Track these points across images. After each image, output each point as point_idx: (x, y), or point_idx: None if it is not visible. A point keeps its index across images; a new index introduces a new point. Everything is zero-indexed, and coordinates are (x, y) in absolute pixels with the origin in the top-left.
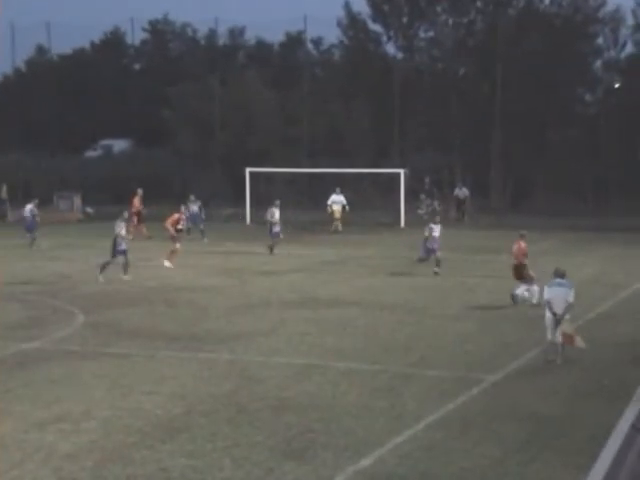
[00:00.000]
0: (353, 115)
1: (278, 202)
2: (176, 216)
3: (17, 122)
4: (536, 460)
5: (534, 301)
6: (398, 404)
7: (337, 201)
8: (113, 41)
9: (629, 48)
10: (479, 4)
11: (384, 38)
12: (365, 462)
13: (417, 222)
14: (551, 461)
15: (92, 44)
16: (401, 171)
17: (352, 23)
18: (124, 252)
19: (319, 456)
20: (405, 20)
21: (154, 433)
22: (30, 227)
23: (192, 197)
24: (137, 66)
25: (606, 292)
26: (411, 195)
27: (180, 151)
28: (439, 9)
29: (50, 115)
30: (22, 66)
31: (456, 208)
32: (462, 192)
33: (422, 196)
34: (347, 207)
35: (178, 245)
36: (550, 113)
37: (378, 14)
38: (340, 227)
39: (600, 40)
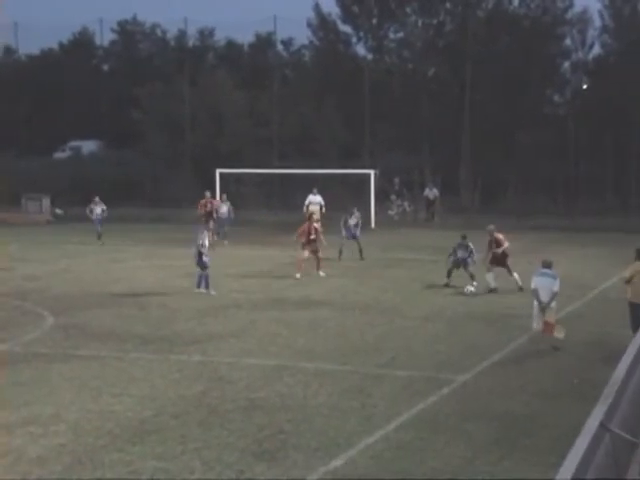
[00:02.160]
0: (323, 116)
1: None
2: (305, 228)
3: None
4: (506, 459)
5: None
6: (369, 404)
7: (314, 202)
8: (82, 42)
9: (596, 49)
10: (448, 5)
11: (354, 39)
12: (336, 463)
13: (387, 223)
14: (521, 460)
15: (60, 45)
16: (371, 172)
17: (322, 24)
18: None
19: (290, 457)
20: (375, 21)
21: (124, 435)
22: None
23: (224, 197)
24: (106, 67)
25: (575, 292)
26: (381, 196)
27: (150, 152)
28: (409, 10)
29: (18, 116)
30: None
31: (426, 209)
32: (432, 193)
33: (392, 197)
34: (324, 208)
35: (306, 254)
36: (519, 114)
37: (348, 15)
38: (319, 227)
39: (568, 41)
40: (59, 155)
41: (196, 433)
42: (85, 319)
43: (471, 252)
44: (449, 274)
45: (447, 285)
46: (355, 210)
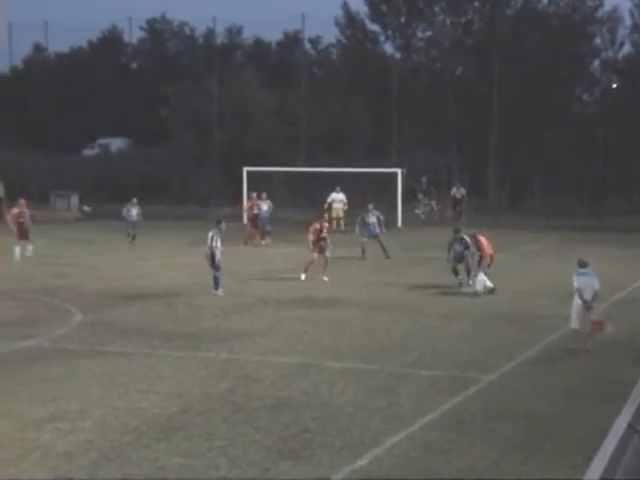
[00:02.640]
0: (351, 114)
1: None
2: (318, 226)
3: (14, 121)
4: (532, 460)
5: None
6: (394, 404)
7: (337, 199)
8: (111, 40)
9: (627, 48)
10: (477, 4)
11: (382, 37)
12: (362, 462)
13: (414, 222)
14: (547, 461)
15: (90, 43)
16: (398, 170)
17: (350, 22)
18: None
19: (316, 456)
20: (403, 20)
21: (150, 432)
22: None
23: (264, 195)
24: (135, 65)
25: (603, 292)
26: (408, 195)
27: (178, 150)
28: (437, 9)
29: (47, 114)
30: (20, 65)
31: (453, 208)
32: (459, 192)
33: (419, 196)
34: (346, 205)
35: (316, 255)
36: (548, 113)
37: (376, 13)
38: (343, 226)
39: (598, 40)
40: (87, 152)
41: (222, 430)
42: (112, 316)
43: (466, 245)
44: (455, 272)
45: (460, 284)
46: (371, 207)
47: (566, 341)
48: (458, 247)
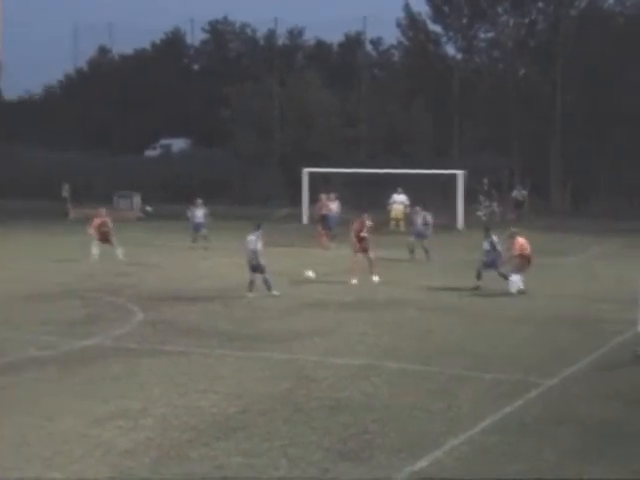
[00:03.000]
0: (412, 116)
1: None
2: (358, 226)
3: (79, 121)
4: (592, 465)
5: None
6: (454, 406)
7: (398, 201)
8: (173, 42)
9: None
10: (540, 4)
11: (444, 39)
12: (421, 464)
13: (475, 224)
14: (607, 467)
15: (153, 44)
16: (459, 172)
17: (412, 24)
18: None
19: (375, 457)
20: (465, 21)
21: (210, 431)
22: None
23: (332, 196)
24: (197, 66)
25: None
26: (469, 197)
27: (238, 151)
28: (500, 9)
29: (111, 115)
30: (84, 66)
31: (514, 210)
32: (521, 194)
33: (481, 198)
34: (408, 208)
35: (360, 256)
36: (612, 114)
37: (438, 15)
38: (403, 227)
39: None
40: (150, 153)
41: (282, 430)
42: (173, 315)
43: (493, 245)
44: (478, 276)
45: (477, 288)
46: (419, 209)
47: (631, 345)
48: (486, 246)
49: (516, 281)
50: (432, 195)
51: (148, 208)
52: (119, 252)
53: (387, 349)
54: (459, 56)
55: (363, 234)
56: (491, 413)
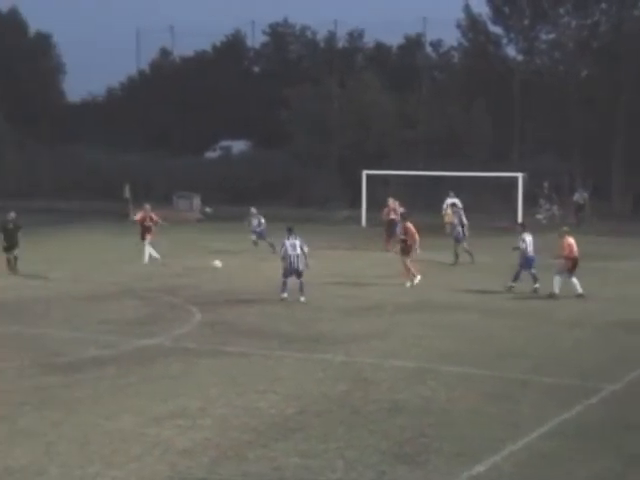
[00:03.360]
0: (471, 118)
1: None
2: (400, 227)
3: (140, 123)
4: None
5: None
6: (513, 411)
7: (451, 204)
8: (234, 44)
9: None
10: (603, 5)
11: (504, 40)
12: (479, 468)
13: (535, 227)
14: None
15: (213, 46)
16: (519, 175)
17: (472, 25)
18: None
19: (432, 461)
20: (527, 22)
21: (268, 432)
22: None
23: (391, 200)
24: (257, 68)
25: None
26: (529, 200)
27: (297, 153)
28: (562, 10)
29: (171, 116)
30: (146, 68)
31: (575, 214)
32: (582, 197)
33: (541, 201)
34: (461, 210)
35: (408, 260)
36: None
37: (499, 16)
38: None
39: None
40: (210, 155)
41: (339, 432)
42: (232, 316)
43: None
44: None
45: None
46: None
47: None
48: (521, 244)
49: (558, 281)
50: (491, 198)
51: (207, 209)
52: (147, 253)
53: (445, 352)
54: (520, 58)
55: (403, 236)
56: (551, 418)
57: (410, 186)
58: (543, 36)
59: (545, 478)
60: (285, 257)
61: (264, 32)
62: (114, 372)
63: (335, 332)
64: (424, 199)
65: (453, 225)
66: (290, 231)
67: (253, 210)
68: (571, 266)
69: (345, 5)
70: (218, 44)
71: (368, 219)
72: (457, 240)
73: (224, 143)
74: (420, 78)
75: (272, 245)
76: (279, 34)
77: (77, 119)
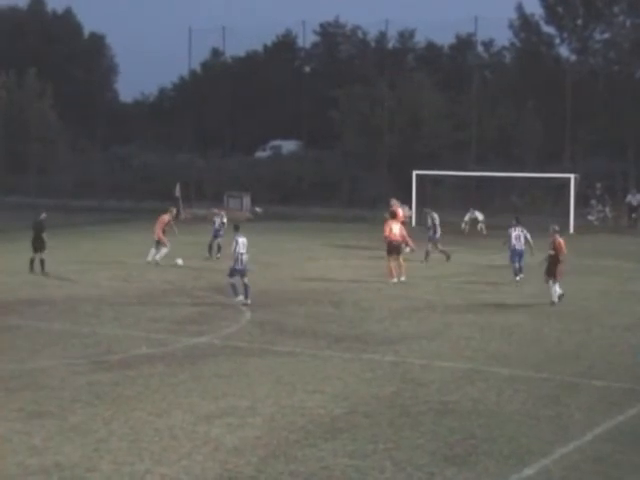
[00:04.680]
0: (523, 118)
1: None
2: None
3: (192, 122)
4: None
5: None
6: (564, 414)
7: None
8: (285, 43)
9: None
10: None
11: (557, 40)
12: (529, 471)
13: (587, 229)
14: None
15: (265, 47)
16: (572, 176)
17: (524, 25)
18: None
19: (481, 463)
20: (580, 22)
21: (317, 431)
22: None
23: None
24: (307, 68)
25: None
26: (581, 201)
27: (348, 153)
28: (616, 10)
29: (222, 116)
30: (198, 68)
31: (628, 215)
32: (635, 198)
33: (593, 202)
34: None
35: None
36: None
37: (552, 15)
38: (484, 230)
39: None
40: (260, 154)
41: (387, 433)
42: (281, 315)
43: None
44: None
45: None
46: (429, 209)
47: None
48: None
49: (555, 291)
50: (542, 199)
51: (257, 209)
52: (155, 253)
53: (494, 354)
54: (573, 58)
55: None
56: (603, 422)
57: (461, 187)
58: (597, 36)
59: None
60: (235, 255)
61: (315, 32)
62: (164, 370)
63: (384, 332)
64: (476, 200)
65: (428, 227)
66: (237, 228)
67: (215, 210)
68: (554, 268)
69: (396, 5)
70: (269, 44)
71: (418, 220)
72: (431, 240)
73: (274, 143)
74: (471, 78)
75: (219, 248)
76: (330, 34)
77: (130, 119)
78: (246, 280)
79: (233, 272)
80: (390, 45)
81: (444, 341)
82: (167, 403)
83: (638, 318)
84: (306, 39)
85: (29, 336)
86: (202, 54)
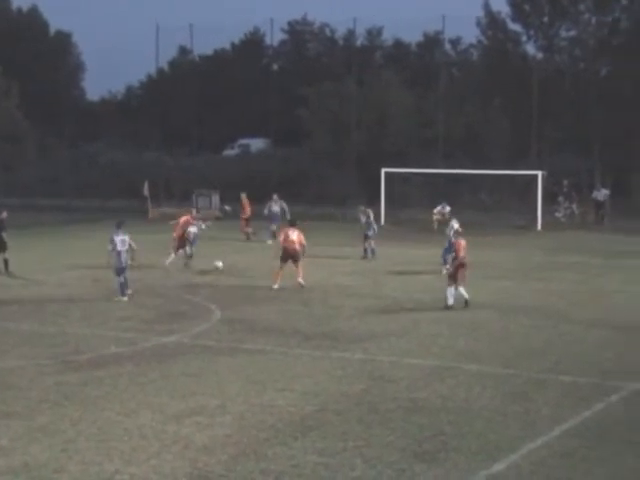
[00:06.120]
0: (490, 116)
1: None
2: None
3: (159, 121)
4: None
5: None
6: (532, 409)
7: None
8: (253, 42)
9: None
10: (624, 2)
11: (524, 38)
12: (498, 467)
13: (554, 225)
14: None
15: (232, 45)
16: (539, 173)
17: (491, 22)
18: None
19: (451, 459)
20: (546, 19)
21: (287, 430)
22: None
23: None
24: (275, 66)
25: None
26: (549, 198)
27: (316, 151)
28: (582, 7)
29: (190, 114)
30: (165, 66)
31: (595, 211)
32: (601, 194)
33: (560, 199)
34: (448, 214)
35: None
36: None
37: (518, 13)
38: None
39: None
40: (228, 153)
41: (357, 430)
42: (250, 314)
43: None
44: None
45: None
46: (363, 208)
47: None
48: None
49: (450, 295)
50: (510, 196)
51: (227, 207)
52: (189, 253)
53: (463, 350)
54: (539, 55)
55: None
56: (570, 417)
57: (429, 184)
58: (563, 33)
59: (563, 477)
60: (115, 253)
61: (283, 30)
62: (133, 369)
63: (353, 330)
64: (443, 197)
65: (368, 223)
66: (119, 226)
67: (275, 196)
68: (458, 271)
69: (364, 3)
70: (237, 42)
71: (386, 217)
72: (367, 237)
73: (243, 141)
74: (438, 76)
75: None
76: (298, 32)
77: (97, 117)
78: (126, 275)
79: (119, 271)
80: (358, 43)
81: (413, 338)
82: (136, 403)
83: (604, 314)
84: (274, 37)
85: None
86: (170, 52)
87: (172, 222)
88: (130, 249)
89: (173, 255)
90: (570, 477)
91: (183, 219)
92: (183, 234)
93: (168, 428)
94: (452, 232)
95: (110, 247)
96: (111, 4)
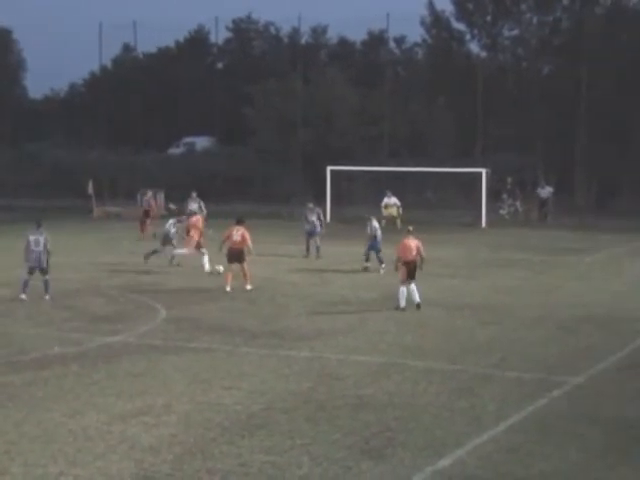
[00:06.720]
0: (435, 114)
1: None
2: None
3: (103, 119)
4: (621, 465)
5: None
6: (477, 405)
7: (390, 204)
8: (197, 40)
9: None
10: (565, 2)
11: (467, 36)
12: (444, 462)
13: (499, 223)
14: (637, 467)
15: (177, 43)
16: (483, 171)
17: (435, 21)
18: None
19: (397, 455)
20: (489, 18)
21: (233, 428)
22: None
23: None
24: (220, 64)
25: None
26: (493, 195)
27: (261, 149)
28: (524, 7)
29: (135, 112)
30: (109, 64)
31: (539, 208)
32: (545, 191)
33: (504, 196)
34: (401, 209)
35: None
36: (637, 113)
37: (462, 12)
38: (399, 225)
39: None
40: (173, 151)
41: (304, 428)
42: (196, 312)
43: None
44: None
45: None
46: (311, 205)
47: None
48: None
49: (401, 294)
50: (455, 193)
51: (172, 206)
52: (206, 259)
53: (409, 347)
54: (483, 54)
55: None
56: (515, 412)
57: (375, 182)
58: (506, 32)
59: (509, 472)
60: (28, 253)
61: (227, 28)
62: (78, 370)
63: (300, 328)
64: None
65: (312, 221)
66: (38, 226)
67: (193, 194)
68: (407, 271)
69: (308, 1)
70: (181, 40)
71: (332, 215)
72: (311, 234)
73: (188, 139)
74: (383, 74)
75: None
76: (243, 30)
77: (40, 116)
78: (47, 277)
79: (29, 269)
80: (303, 41)
81: (360, 335)
82: (81, 403)
83: (548, 310)
84: (219, 35)
85: None
86: (113, 49)
87: (179, 222)
88: (45, 251)
89: (206, 256)
90: (514, 471)
91: (194, 219)
92: (201, 233)
93: (114, 429)
94: (374, 230)
95: (25, 247)
96: (53, 0)
